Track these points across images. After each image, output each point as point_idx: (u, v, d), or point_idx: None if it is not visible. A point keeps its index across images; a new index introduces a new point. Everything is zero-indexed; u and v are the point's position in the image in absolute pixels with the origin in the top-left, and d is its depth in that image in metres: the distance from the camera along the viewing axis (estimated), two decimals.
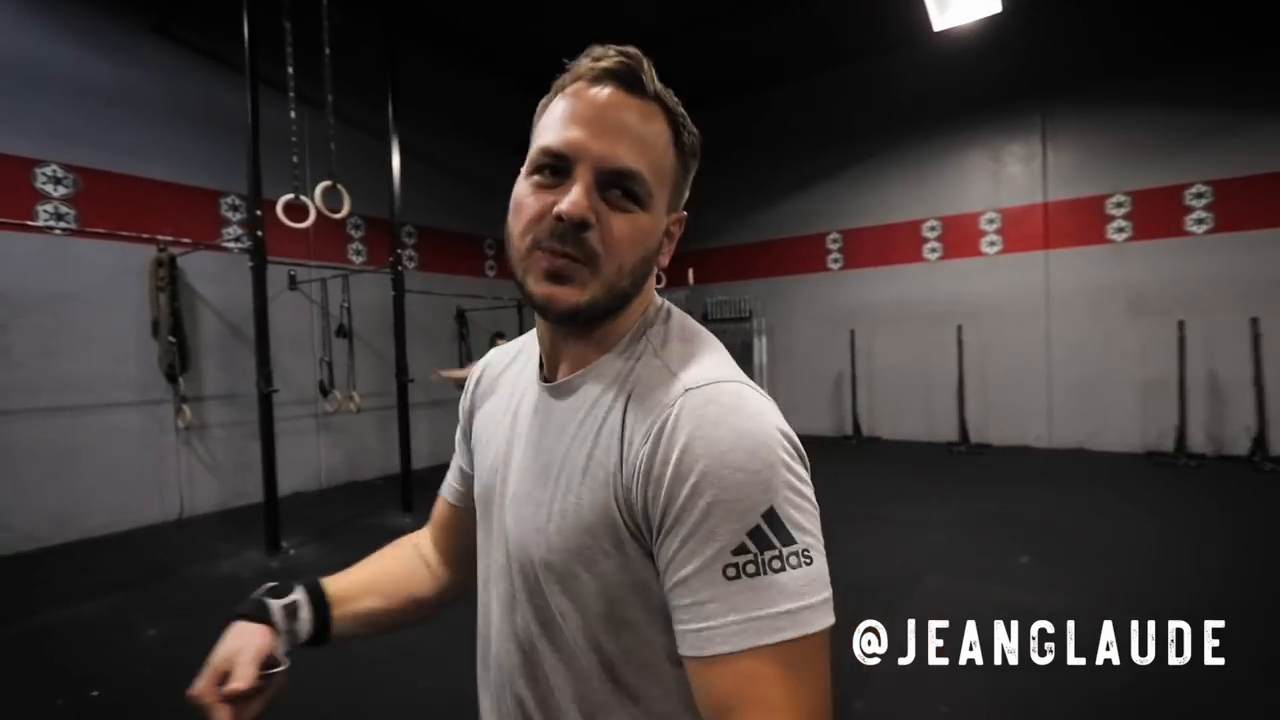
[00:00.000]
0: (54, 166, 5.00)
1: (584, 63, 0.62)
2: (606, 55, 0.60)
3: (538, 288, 0.62)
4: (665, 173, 0.64)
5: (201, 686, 0.65)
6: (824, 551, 0.56)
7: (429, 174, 7.78)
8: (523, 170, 0.65)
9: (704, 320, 10.68)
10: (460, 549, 0.86)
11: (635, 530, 0.58)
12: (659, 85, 0.62)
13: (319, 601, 0.76)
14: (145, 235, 4.40)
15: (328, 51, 4.75)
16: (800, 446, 0.60)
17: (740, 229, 9.93)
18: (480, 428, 0.79)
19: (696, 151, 0.67)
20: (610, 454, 0.60)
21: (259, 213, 4.41)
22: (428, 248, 7.96)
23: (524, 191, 0.64)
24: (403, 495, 5.68)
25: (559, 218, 0.59)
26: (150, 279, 5.42)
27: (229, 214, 6.00)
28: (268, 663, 0.68)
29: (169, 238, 4.60)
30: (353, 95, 5.75)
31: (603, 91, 0.60)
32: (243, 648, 0.67)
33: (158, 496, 5.53)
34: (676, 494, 0.54)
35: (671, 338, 0.66)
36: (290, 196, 4.24)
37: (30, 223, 4.84)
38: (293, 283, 6.41)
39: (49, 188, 4.97)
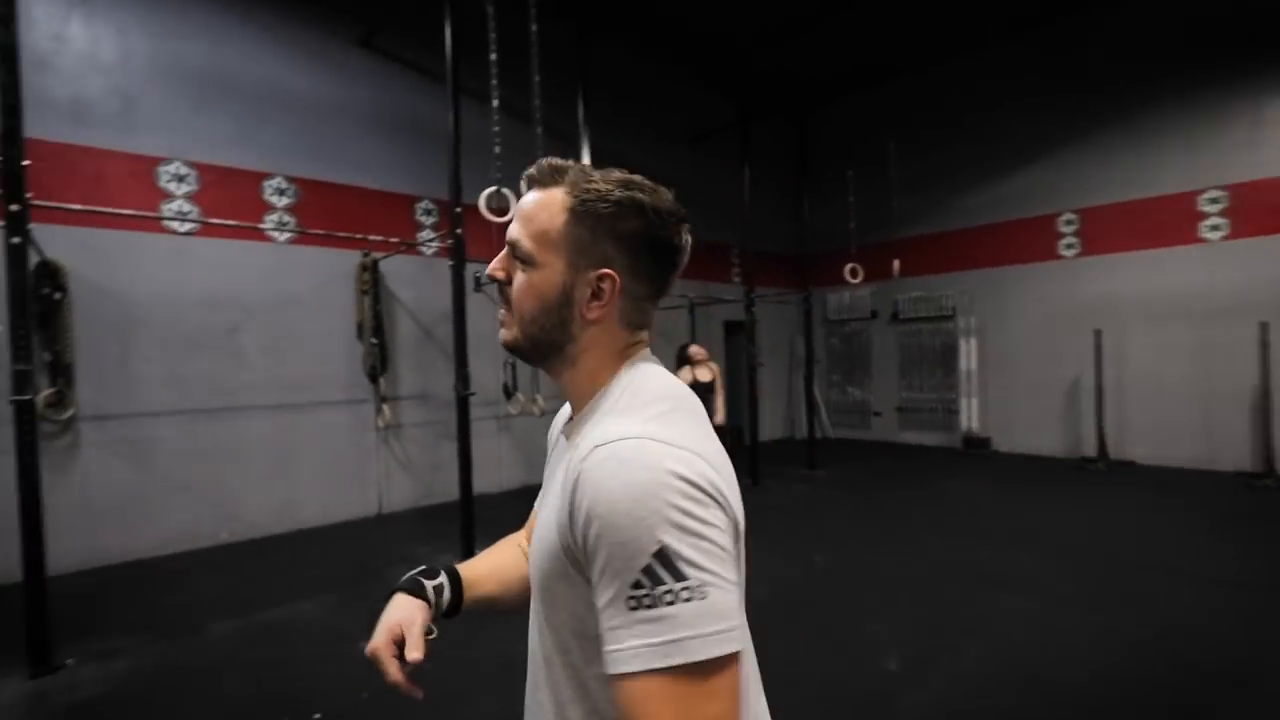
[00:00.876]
0: (280, 179, 5.31)
1: None
2: (531, 167, 0.81)
3: None
4: (551, 236, 0.77)
5: (379, 645, 0.83)
6: (731, 584, 0.64)
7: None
8: None
9: (894, 319, 9.57)
10: None
11: (575, 564, 0.69)
12: (570, 174, 0.79)
13: (456, 584, 0.94)
14: (359, 235, 4.44)
15: (535, 61, 4.53)
16: (709, 488, 0.66)
17: (939, 215, 8.67)
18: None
19: (613, 211, 0.76)
20: (561, 499, 0.71)
21: (459, 209, 4.26)
22: None
23: None
24: None
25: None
26: (356, 282, 5.61)
27: (423, 218, 6.12)
28: (426, 631, 0.86)
29: (379, 236, 4.63)
30: (541, 96, 5.59)
31: (528, 188, 0.82)
32: (412, 619, 0.85)
33: (359, 492, 5.71)
34: (586, 539, 0.65)
35: (621, 399, 0.76)
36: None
37: (259, 225, 5.16)
38: (478, 285, 6.42)
39: (275, 198, 5.29)
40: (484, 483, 6.43)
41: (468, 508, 4.42)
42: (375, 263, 5.61)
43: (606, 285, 0.77)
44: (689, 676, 0.60)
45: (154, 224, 4.74)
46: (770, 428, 9.83)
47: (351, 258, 5.62)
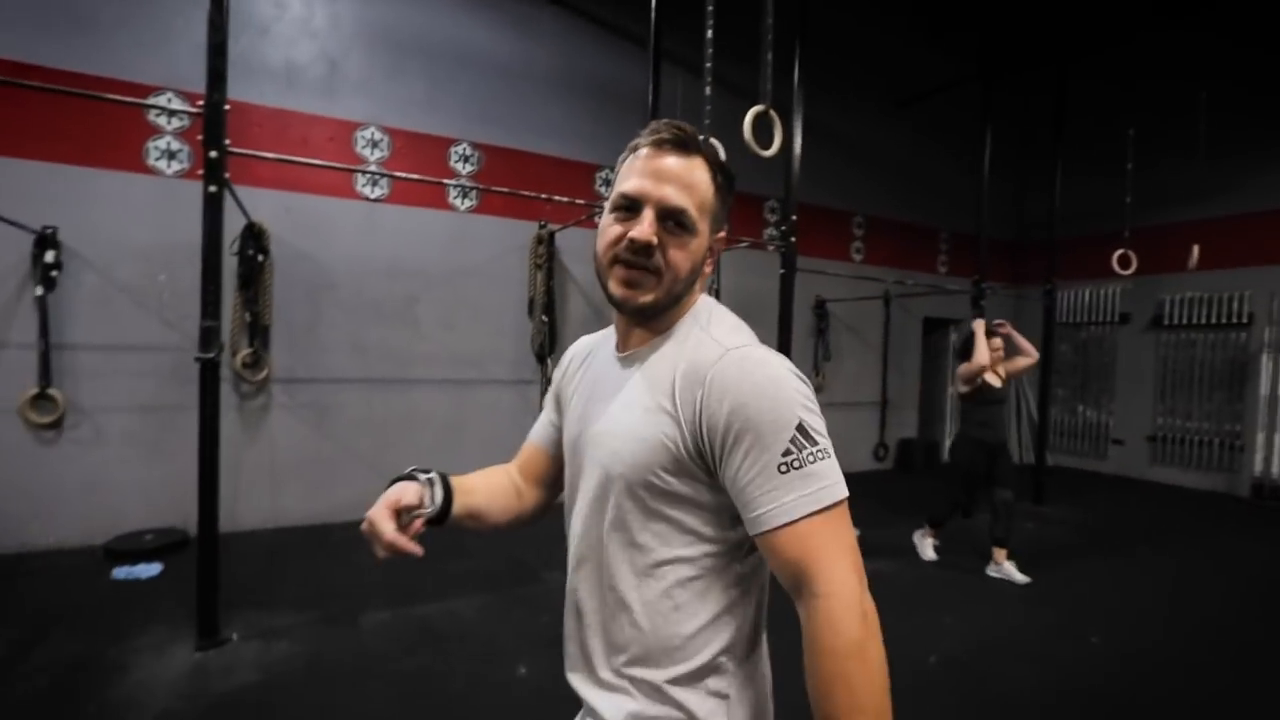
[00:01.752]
0: (465, 145, 5.11)
1: (646, 135, 0.88)
2: (662, 129, 0.87)
3: (617, 290, 0.87)
4: (707, 206, 0.88)
5: (376, 512, 0.90)
6: (832, 467, 0.79)
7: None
8: (606, 207, 0.90)
9: (1155, 325, 7.59)
10: (544, 478, 1.13)
11: (692, 455, 0.81)
12: (703, 145, 0.88)
13: (447, 486, 1.00)
14: (543, 196, 4.00)
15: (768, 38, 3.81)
16: (808, 382, 0.82)
17: (1238, 192, 6.67)
18: (569, 395, 1.04)
19: (732, 187, 0.92)
20: (665, 402, 0.83)
21: None
22: None
23: (608, 222, 0.88)
24: None
25: (633, 241, 0.83)
26: (530, 255, 5.30)
27: (601, 189, 5.67)
28: (420, 503, 0.94)
29: (564, 198, 4.19)
30: (735, 60, 4.84)
31: (659, 153, 0.86)
32: (406, 490, 0.94)
33: None
34: (733, 424, 0.77)
35: (714, 322, 0.89)
36: (760, 109, 3.33)
37: (443, 182, 4.98)
38: None
39: (459, 165, 5.09)
40: None
41: None
42: (551, 235, 5.25)
43: (719, 245, 0.94)
44: (836, 513, 0.77)
45: (348, 189, 4.71)
46: None
47: (528, 229, 5.30)
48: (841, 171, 6.97)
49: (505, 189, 3.33)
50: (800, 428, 0.76)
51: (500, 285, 5.23)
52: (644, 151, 0.87)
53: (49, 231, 3.88)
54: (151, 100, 4.04)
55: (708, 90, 3.44)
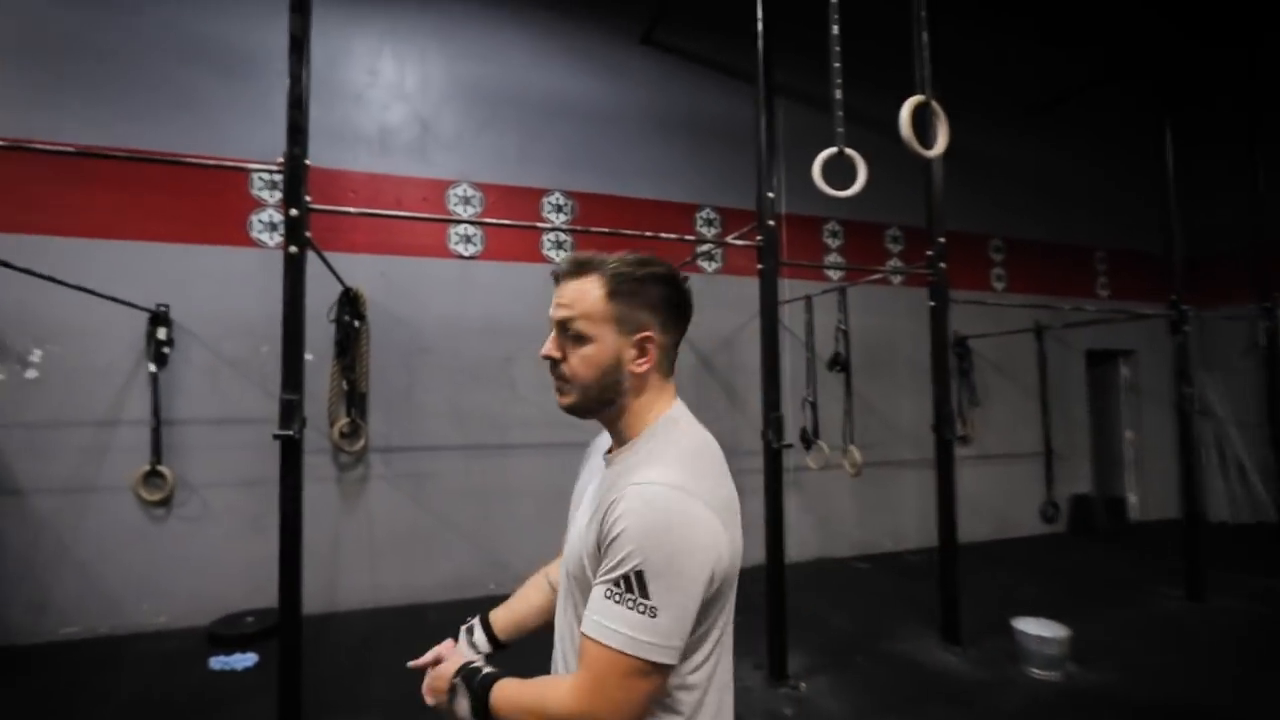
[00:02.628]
0: (557, 194, 4.87)
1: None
2: (559, 263, 1.05)
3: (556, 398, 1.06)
4: (599, 313, 1.00)
5: (420, 662, 1.18)
6: (682, 616, 0.87)
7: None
8: None
9: None
10: None
11: (594, 558, 0.94)
12: (598, 263, 1.03)
13: (487, 626, 1.29)
14: (646, 235, 3.63)
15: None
16: (712, 543, 0.90)
17: None
18: (579, 488, 1.20)
19: (641, 288, 1.01)
20: (595, 514, 0.95)
21: (772, 223, 3.14)
22: (913, 252, 6.07)
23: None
24: (944, 614, 3.67)
25: (545, 357, 1.05)
26: None
27: (704, 229, 5.24)
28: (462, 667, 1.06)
29: (670, 235, 3.79)
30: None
31: (557, 284, 1.05)
32: (447, 663, 1.10)
33: None
34: (606, 546, 0.90)
35: (656, 447, 0.99)
36: (833, 151, 2.83)
37: (536, 224, 4.72)
38: None
39: (552, 215, 4.85)
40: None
41: (776, 584, 3.18)
42: None
43: (650, 344, 1.02)
44: (624, 661, 0.85)
45: (441, 248, 4.56)
46: (1156, 500, 6.91)
47: None
48: (972, 191, 6.15)
49: (605, 229, 2.98)
50: (639, 575, 0.86)
51: None
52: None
53: (162, 309, 3.92)
54: (248, 171, 4.09)
55: (839, 112, 2.91)
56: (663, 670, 0.87)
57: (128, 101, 3.99)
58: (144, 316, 3.89)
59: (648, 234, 3.14)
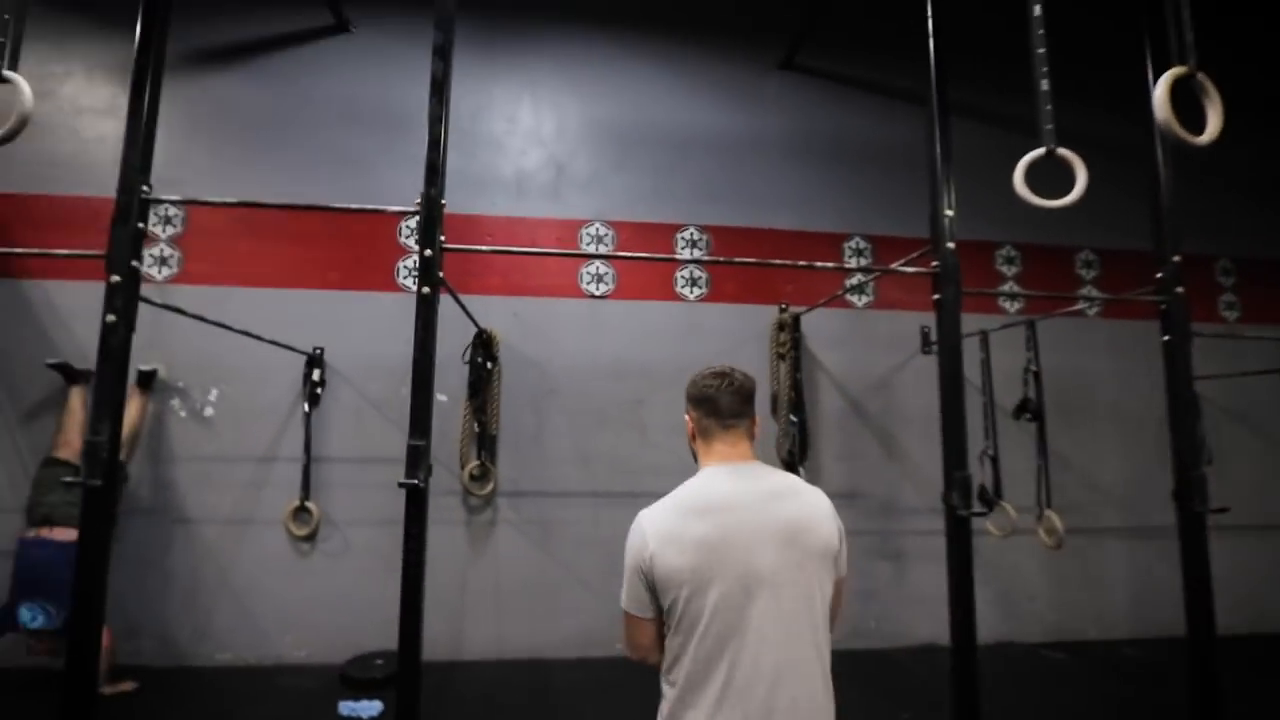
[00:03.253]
0: (691, 229, 4.63)
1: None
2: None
3: None
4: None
5: None
6: (628, 589, 1.46)
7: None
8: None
9: None
10: None
11: None
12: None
13: None
14: (785, 263, 3.22)
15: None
16: (637, 550, 1.45)
17: None
18: None
19: (691, 395, 1.70)
20: None
21: (952, 245, 2.64)
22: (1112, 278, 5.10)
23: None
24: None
25: None
26: (771, 344, 4.49)
27: (852, 259, 4.74)
28: None
29: (824, 265, 3.34)
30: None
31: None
32: None
33: None
34: None
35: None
36: (1040, 152, 2.32)
37: (671, 256, 4.48)
38: (926, 343, 4.66)
39: (686, 251, 4.60)
40: (925, 629, 4.42)
41: (967, 675, 2.54)
42: (795, 319, 4.41)
43: (689, 421, 1.66)
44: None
45: (572, 288, 4.46)
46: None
47: (766, 314, 4.54)
48: (1191, 201, 5.10)
49: (750, 260, 2.64)
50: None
51: None
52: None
53: (317, 352, 4.12)
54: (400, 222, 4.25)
55: (1047, 106, 2.38)
56: (629, 616, 1.47)
57: (296, 163, 4.33)
58: (302, 359, 4.10)
59: (800, 263, 2.77)
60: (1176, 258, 2.78)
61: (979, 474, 4.18)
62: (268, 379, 4.13)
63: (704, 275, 4.58)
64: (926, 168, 2.68)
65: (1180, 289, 2.75)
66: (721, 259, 2.81)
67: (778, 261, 2.65)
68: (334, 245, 4.27)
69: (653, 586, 1.38)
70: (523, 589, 4.18)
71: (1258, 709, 3.48)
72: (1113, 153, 5.07)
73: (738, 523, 1.38)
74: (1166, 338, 2.77)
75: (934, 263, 2.63)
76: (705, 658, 1.33)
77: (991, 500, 3.89)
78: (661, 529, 1.40)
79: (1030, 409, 3.80)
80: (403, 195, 4.23)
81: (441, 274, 2.46)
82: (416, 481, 2.26)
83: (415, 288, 4.06)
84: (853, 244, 4.74)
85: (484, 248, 2.69)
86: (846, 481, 4.52)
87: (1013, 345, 4.45)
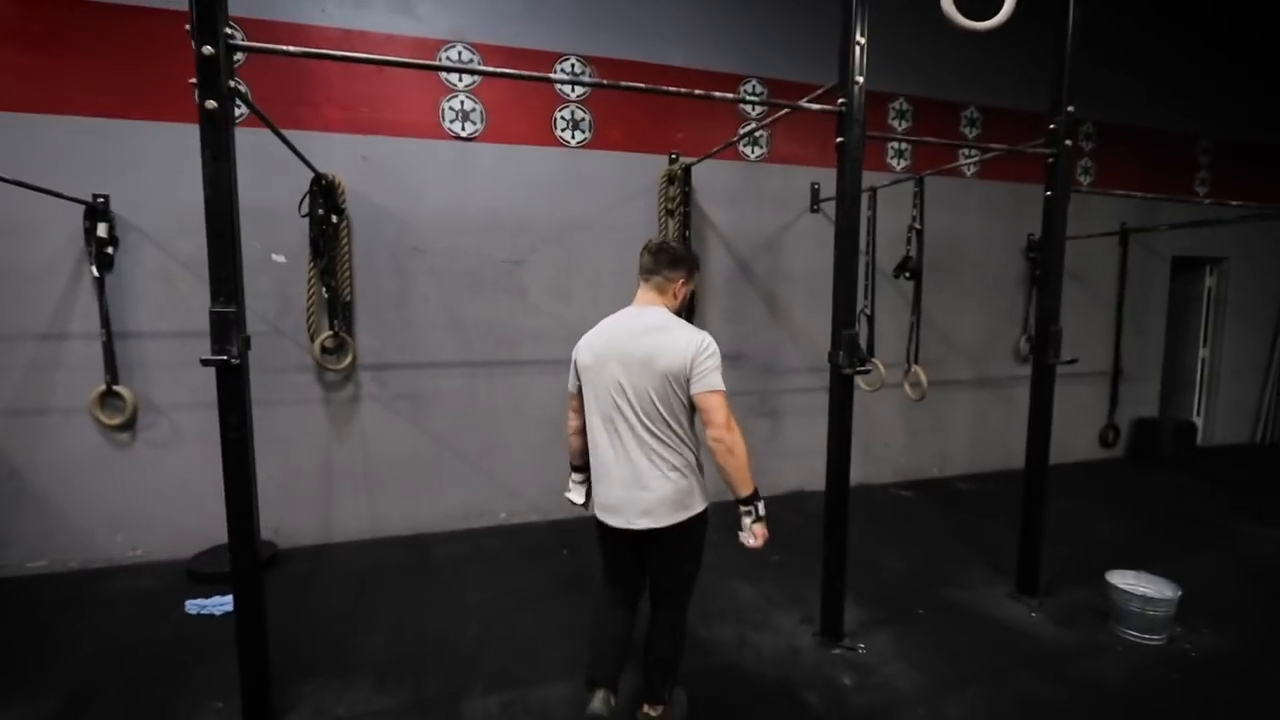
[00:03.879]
0: (573, 60, 4.00)
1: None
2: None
3: None
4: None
5: None
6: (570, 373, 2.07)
7: None
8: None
9: None
10: None
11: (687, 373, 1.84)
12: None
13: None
14: (680, 91, 2.80)
15: None
16: (575, 350, 2.03)
17: None
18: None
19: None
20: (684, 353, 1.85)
21: (861, 80, 2.32)
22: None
23: None
24: (1022, 560, 3.18)
25: None
26: (659, 199, 4.15)
27: (748, 109, 4.37)
28: None
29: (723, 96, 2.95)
30: None
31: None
32: None
33: None
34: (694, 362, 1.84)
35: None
36: None
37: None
38: (815, 200, 4.53)
39: (566, 89, 4.00)
40: (794, 477, 4.74)
41: (836, 529, 2.70)
42: (686, 171, 4.07)
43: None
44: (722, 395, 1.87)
45: (433, 127, 3.78)
46: (1226, 426, 6.34)
47: (656, 165, 4.16)
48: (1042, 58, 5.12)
49: (640, 85, 2.17)
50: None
51: (623, 239, 4.15)
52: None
53: (100, 201, 3.26)
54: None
55: None
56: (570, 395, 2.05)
57: None
58: (79, 210, 3.23)
59: (696, 92, 2.36)
60: (1070, 108, 2.70)
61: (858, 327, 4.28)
62: (30, 235, 3.24)
63: (587, 117, 4.04)
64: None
65: (1069, 142, 2.70)
66: (608, 82, 2.33)
67: (671, 89, 2.23)
68: (114, 60, 3.24)
69: (579, 374, 1.98)
70: (395, 466, 3.89)
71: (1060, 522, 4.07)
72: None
73: (616, 344, 1.89)
74: (1049, 193, 2.76)
75: (840, 100, 2.35)
76: (591, 433, 1.97)
77: (864, 357, 4.00)
78: (583, 340, 1.98)
79: (910, 268, 3.84)
80: None
81: (237, 83, 1.83)
82: (225, 358, 1.81)
83: (254, 111, 3.25)
84: (749, 87, 4.35)
85: (291, 49, 2.02)
86: (732, 345, 4.49)
87: (893, 204, 4.43)
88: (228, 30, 1.82)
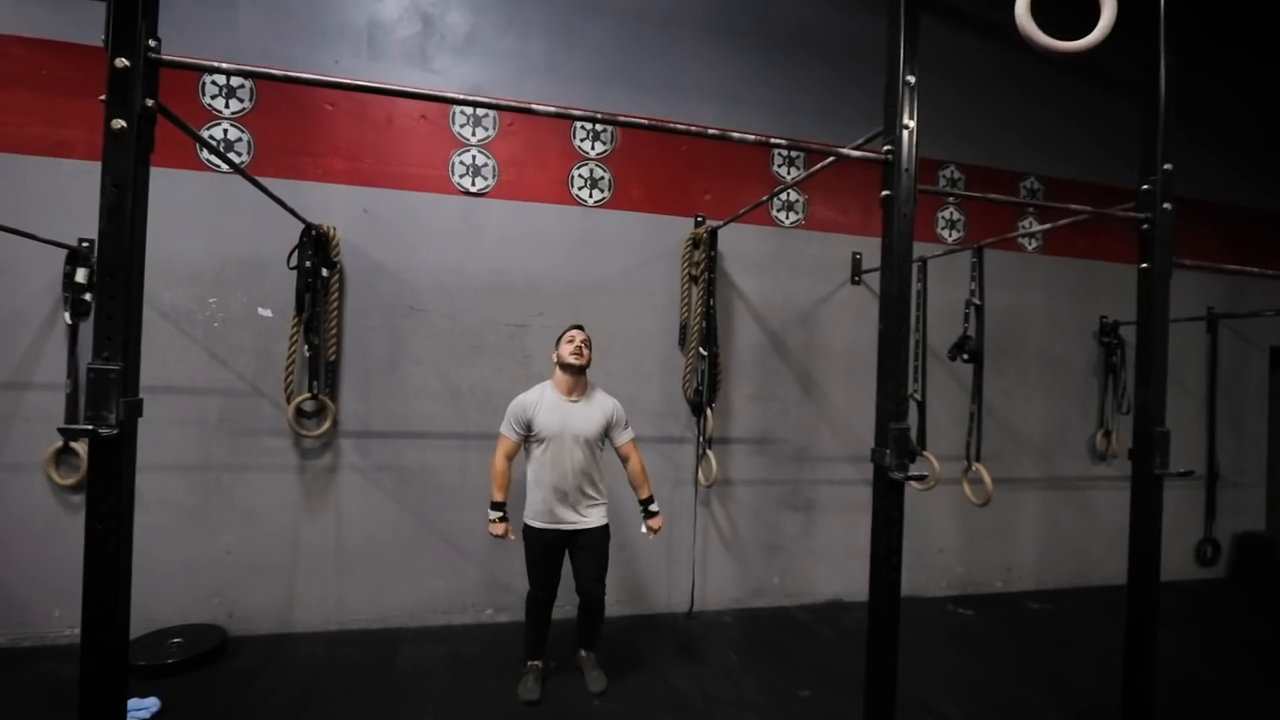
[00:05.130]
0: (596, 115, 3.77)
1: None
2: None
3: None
4: None
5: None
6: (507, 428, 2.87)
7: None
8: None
9: None
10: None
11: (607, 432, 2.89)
12: None
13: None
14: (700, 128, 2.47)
15: None
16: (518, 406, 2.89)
17: None
18: (542, 419, 2.79)
19: None
20: (604, 412, 2.87)
21: (910, 124, 1.94)
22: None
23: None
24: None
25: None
26: (682, 264, 3.79)
27: (781, 170, 4.05)
28: None
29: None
30: None
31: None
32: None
33: (665, 577, 3.85)
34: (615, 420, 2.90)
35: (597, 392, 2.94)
36: None
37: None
38: (857, 271, 4.11)
39: (586, 145, 3.76)
40: (830, 584, 4.08)
41: (881, 674, 2.09)
42: (712, 234, 3.71)
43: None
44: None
45: (442, 181, 3.56)
46: None
47: (676, 227, 3.83)
48: (1129, 135, 4.68)
49: (653, 123, 1.87)
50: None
51: (641, 306, 3.78)
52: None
53: (84, 246, 3.08)
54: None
55: None
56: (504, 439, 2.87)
57: None
58: (61, 254, 3.06)
59: (732, 133, 2.01)
60: (1168, 166, 2.24)
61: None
62: (7, 278, 3.07)
63: (606, 176, 3.77)
64: (886, 11, 1.95)
65: (1168, 205, 2.23)
66: (624, 119, 1.98)
67: (695, 128, 1.87)
68: (78, 95, 3.15)
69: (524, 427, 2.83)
70: (371, 546, 3.46)
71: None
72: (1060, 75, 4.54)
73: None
74: (1144, 265, 2.26)
75: (886, 147, 1.95)
76: (541, 472, 2.79)
77: (915, 451, 3.43)
78: (526, 400, 2.86)
79: (968, 349, 3.32)
80: (215, 42, 3.16)
81: (151, 102, 1.55)
82: (93, 427, 1.45)
83: (224, 167, 3.07)
84: (782, 153, 4.04)
85: (224, 66, 1.75)
86: (759, 425, 3.99)
87: (945, 279, 3.96)
88: (150, 43, 1.55)
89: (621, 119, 2.04)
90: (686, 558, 3.86)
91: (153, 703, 2.61)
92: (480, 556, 3.58)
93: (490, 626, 3.54)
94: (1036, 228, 3.31)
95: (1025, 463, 4.51)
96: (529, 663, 2.90)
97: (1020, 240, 4.46)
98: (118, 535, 1.56)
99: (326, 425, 3.32)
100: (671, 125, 2.04)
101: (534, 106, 1.95)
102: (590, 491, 2.80)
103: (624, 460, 2.93)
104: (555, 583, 2.85)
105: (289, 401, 3.24)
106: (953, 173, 4.37)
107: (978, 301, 3.28)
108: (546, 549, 2.79)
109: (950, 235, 4.35)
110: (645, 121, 2.03)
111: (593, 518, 2.80)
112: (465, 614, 3.57)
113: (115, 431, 1.51)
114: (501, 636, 3.39)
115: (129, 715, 2.52)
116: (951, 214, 4.37)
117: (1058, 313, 4.54)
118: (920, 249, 3.67)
